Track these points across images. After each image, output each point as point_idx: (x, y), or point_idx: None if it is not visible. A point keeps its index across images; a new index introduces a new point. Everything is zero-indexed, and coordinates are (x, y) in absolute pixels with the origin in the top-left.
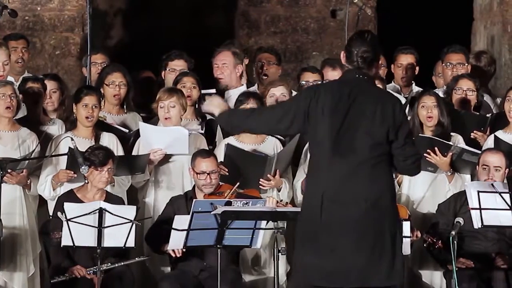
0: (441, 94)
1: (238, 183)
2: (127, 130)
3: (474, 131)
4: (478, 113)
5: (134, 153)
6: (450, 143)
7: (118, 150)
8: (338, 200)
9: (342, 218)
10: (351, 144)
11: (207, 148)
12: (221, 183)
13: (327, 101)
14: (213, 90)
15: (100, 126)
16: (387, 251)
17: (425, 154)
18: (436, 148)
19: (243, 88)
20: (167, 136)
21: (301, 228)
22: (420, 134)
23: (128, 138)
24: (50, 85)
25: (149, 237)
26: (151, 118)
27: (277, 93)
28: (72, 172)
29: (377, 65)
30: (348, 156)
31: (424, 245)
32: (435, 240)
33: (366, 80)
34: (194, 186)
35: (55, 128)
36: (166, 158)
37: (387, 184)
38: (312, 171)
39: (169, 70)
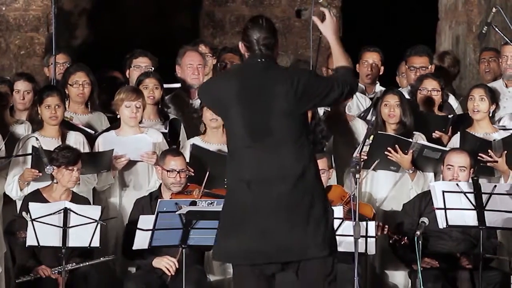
0: (405, 94)
1: (206, 176)
2: (92, 132)
3: (436, 131)
4: (440, 114)
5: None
6: (410, 140)
7: (85, 149)
8: (264, 179)
9: (272, 197)
10: (267, 128)
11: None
12: (187, 183)
13: (234, 87)
14: (178, 85)
15: (66, 126)
16: (321, 221)
17: (386, 153)
18: (397, 146)
19: None
20: (130, 144)
21: (225, 217)
22: (380, 132)
23: (94, 139)
24: (24, 86)
25: (128, 248)
26: (116, 118)
27: None
28: (37, 171)
29: (277, 46)
30: (265, 140)
31: (390, 241)
32: (400, 237)
33: (269, 62)
34: (160, 186)
35: (21, 128)
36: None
37: (309, 161)
38: (232, 160)
39: (133, 67)
